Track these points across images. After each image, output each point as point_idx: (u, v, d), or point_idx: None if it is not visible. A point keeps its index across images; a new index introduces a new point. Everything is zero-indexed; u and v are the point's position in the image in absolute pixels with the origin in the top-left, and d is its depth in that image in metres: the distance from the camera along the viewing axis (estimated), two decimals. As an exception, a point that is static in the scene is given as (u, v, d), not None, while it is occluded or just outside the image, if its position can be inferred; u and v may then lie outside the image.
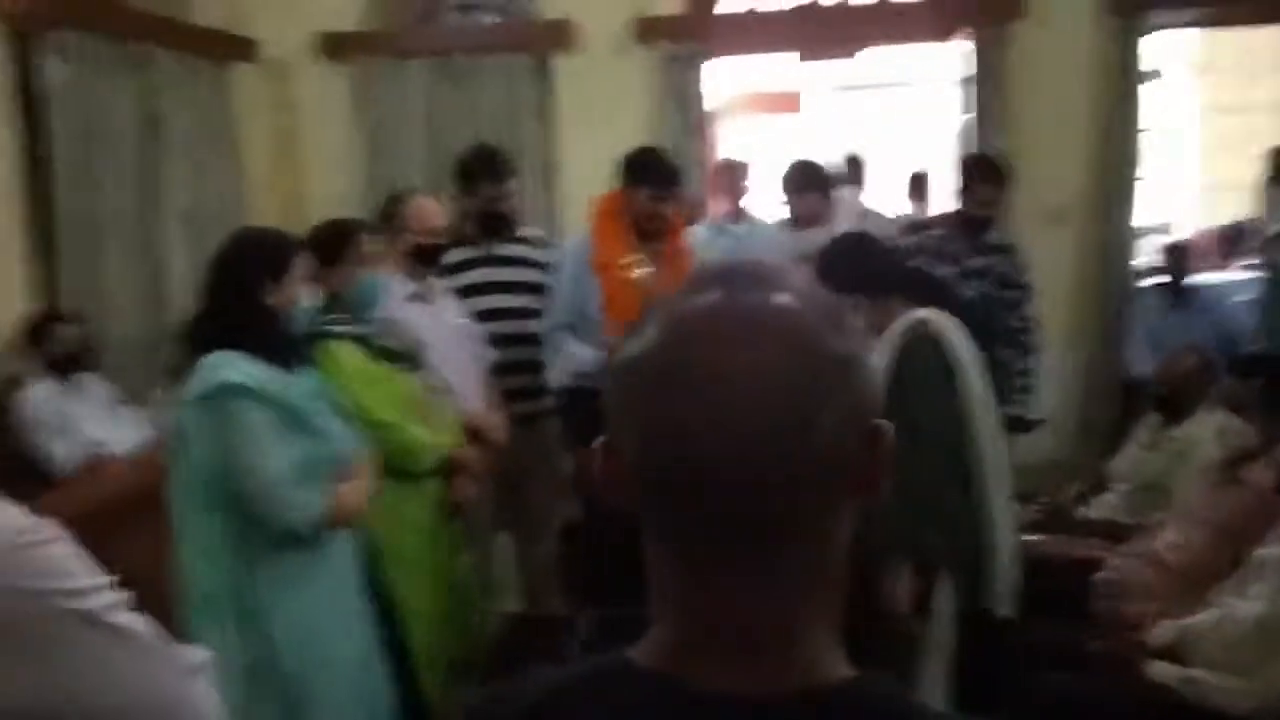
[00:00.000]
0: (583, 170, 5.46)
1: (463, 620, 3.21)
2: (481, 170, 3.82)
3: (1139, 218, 7.88)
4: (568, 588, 4.10)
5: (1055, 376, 5.38)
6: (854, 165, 5.88)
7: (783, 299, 0.75)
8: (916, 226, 4.32)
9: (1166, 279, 5.33)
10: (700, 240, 4.41)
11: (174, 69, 4.97)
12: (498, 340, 3.75)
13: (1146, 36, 5.60)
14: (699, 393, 0.71)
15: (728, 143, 9.89)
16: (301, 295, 2.47)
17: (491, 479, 3.74)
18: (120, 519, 3.24)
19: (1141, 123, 5.69)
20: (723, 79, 8.56)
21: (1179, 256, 5.33)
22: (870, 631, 2.80)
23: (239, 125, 5.46)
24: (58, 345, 4.08)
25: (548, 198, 5.76)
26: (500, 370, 3.76)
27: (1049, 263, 5.57)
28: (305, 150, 5.96)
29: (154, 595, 2.34)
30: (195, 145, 5.12)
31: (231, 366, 2.30)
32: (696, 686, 0.73)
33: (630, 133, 5.63)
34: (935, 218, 4.37)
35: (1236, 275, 6.20)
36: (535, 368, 3.98)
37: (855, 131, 9.03)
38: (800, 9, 5.96)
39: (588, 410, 3.57)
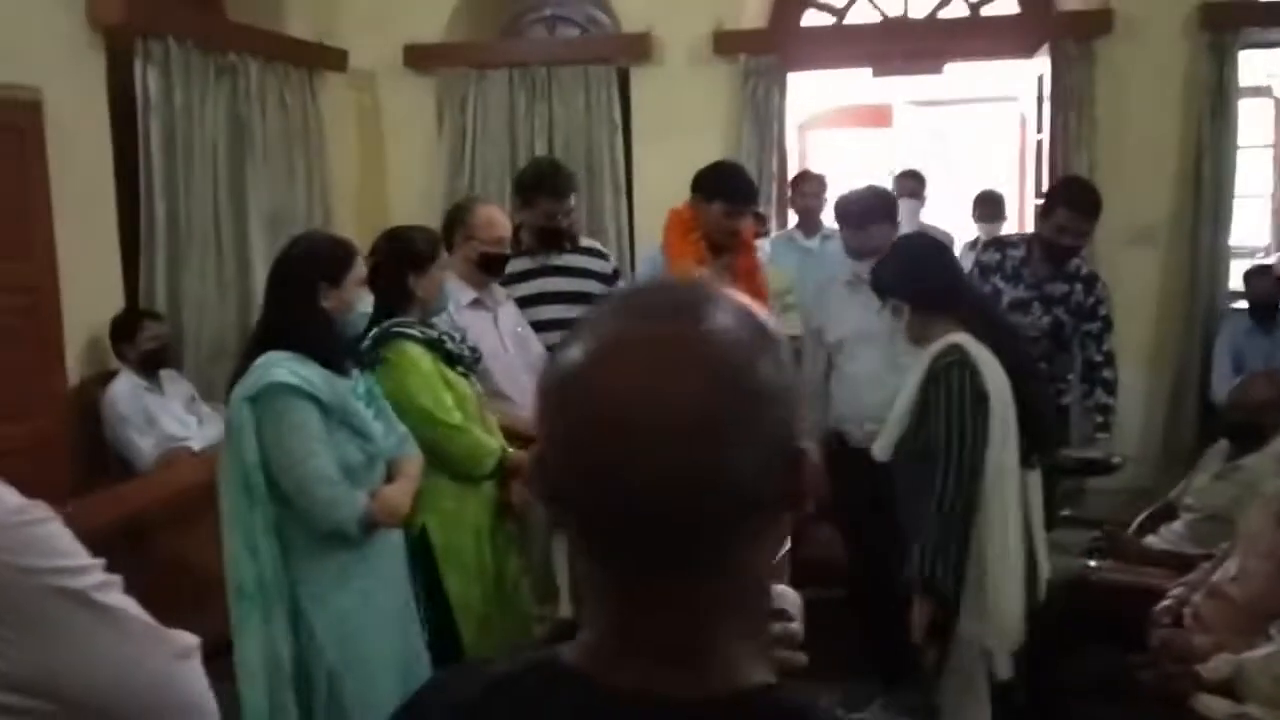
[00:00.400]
0: (660, 181, 5.49)
1: (514, 622, 3.25)
2: (541, 185, 3.85)
3: (1235, 239, 7.64)
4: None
5: (1138, 400, 5.26)
6: (914, 180, 5.86)
7: (705, 327, 0.76)
8: (1001, 244, 4.22)
9: (1254, 302, 5.15)
10: (769, 253, 4.41)
11: (264, 78, 5.14)
12: (547, 350, 3.80)
13: (1243, 52, 5.45)
14: (612, 425, 0.73)
15: (817, 155, 9.88)
16: (359, 300, 2.53)
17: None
18: (190, 512, 3.37)
19: (1240, 141, 5.55)
20: (814, 91, 8.54)
21: (1266, 279, 5.15)
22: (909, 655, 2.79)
23: (327, 132, 5.62)
24: (145, 343, 4.24)
25: (625, 207, 5.81)
26: None
27: (1134, 284, 5.45)
28: (389, 157, 6.13)
29: (216, 585, 2.44)
30: (282, 151, 5.29)
31: (282, 367, 2.38)
32: (615, 687, 0.76)
33: (708, 145, 5.67)
34: (1018, 237, 4.28)
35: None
36: None
37: (944, 147, 8.93)
38: (885, 24, 5.92)
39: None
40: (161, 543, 3.04)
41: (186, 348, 4.68)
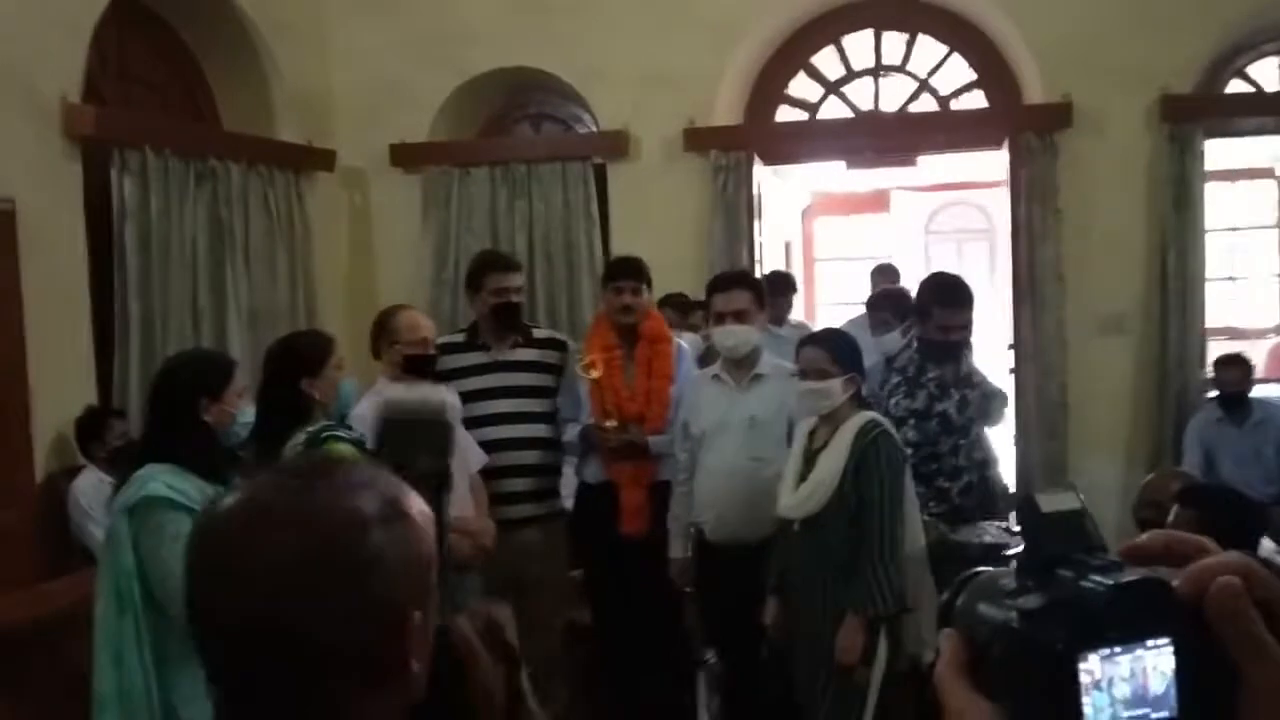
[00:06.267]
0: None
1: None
2: (484, 266, 4.04)
3: (1245, 320, 7.54)
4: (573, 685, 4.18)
5: (1113, 491, 5.19)
6: (887, 274, 6.00)
7: (320, 496, 0.88)
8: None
9: (1223, 392, 5.10)
10: (699, 344, 4.53)
11: (247, 180, 5.35)
12: (499, 444, 3.87)
13: (1211, 141, 5.47)
14: (216, 567, 0.87)
15: (821, 239, 10.01)
16: (239, 412, 2.65)
17: (493, 581, 3.87)
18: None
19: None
20: (816, 179, 8.68)
21: (1235, 368, 5.10)
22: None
23: (315, 228, 5.81)
24: (114, 440, 4.39)
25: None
26: (499, 474, 3.87)
27: (1106, 373, 5.45)
28: (378, 251, 6.32)
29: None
30: (265, 249, 5.47)
31: (158, 480, 2.48)
32: None
33: (681, 237, 5.82)
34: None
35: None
36: (535, 471, 4.06)
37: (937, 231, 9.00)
38: (857, 119, 6.03)
39: (592, 512, 3.72)
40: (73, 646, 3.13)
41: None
